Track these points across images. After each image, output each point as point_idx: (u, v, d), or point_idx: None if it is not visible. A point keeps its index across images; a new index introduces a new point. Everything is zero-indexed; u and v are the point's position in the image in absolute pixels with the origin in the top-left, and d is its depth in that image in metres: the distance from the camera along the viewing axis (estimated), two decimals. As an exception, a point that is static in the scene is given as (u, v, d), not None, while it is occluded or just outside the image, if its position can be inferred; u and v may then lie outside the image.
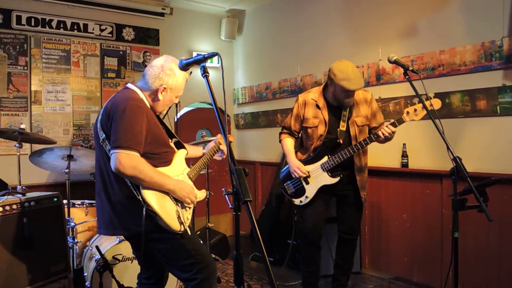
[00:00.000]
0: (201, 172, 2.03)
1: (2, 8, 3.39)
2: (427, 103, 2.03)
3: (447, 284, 2.47)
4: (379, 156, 3.03)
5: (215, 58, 4.04)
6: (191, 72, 1.76)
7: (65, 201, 2.46)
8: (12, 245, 2.02)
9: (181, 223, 1.63)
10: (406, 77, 1.93)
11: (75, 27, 3.71)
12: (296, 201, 2.49)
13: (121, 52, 3.96)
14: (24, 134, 2.50)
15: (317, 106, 2.43)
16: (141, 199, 1.56)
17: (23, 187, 2.36)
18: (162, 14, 4.17)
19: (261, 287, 3.02)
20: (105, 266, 2.20)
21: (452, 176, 1.70)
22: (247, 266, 3.43)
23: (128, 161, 1.51)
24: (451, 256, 1.73)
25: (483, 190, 1.65)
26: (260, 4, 4.32)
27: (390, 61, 2.00)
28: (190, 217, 1.75)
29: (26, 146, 3.31)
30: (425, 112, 2.11)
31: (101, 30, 3.85)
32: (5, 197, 2.08)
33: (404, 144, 2.98)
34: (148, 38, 4.11)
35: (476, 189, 1.63)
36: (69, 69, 3.69)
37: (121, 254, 2.36)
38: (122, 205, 1.61)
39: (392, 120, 2.28)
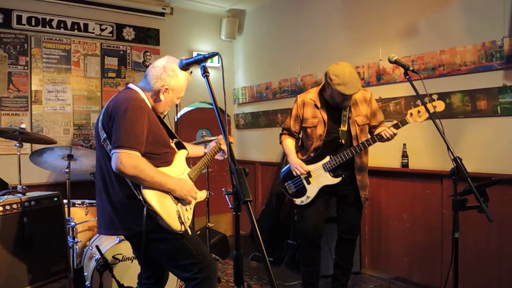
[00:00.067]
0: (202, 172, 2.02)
1: (3, 8, 3.39)
2: (430, 105, 2.02)
3: (447, 284, 2.47)
4: (379, 156, 3.03)
5: (215, 58, 4.06)
6: (191, 72, 1.76)
7: (65, 201, 2.46)
8: (12, 245, 2.02)
9: (182, 223, 1.63)
10: (407, 77, 1.93)
11: (76, 27, 3.71)
12: (297, 201, 2.49)
13: (121, 52, 3.96)
14: (25, 134, 2.50)
15: (316, 106, 2.43)
16: (141, 199, 1.57)
17: (24, 187, 2.36)
18: (162, 14, 4.17)
19: (261, 287, 3.02)
20: (105, 265, 2.20)
21: (452, 176, 1.70)
22: (247, 266, 3.43)
23: (129, 161, 1.51)
24: (451, 256, 1.73)
25: (483, 191, 1.65)
26: (260, 4, 4.32)
27: (390, 61, 2.00)
28: (190, 217, 1.75)
29: (27, 145, 3.31)
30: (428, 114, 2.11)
31: (102, 30, 3.85)
32: (6, 196, 2.08)
33: (404, 144, 2.98)
34: (149, 38, 4.11)
35: (476, 190, 1.63)
36: (70, 69, 3.69)
37: (121, 254, 2.36)
38: (123, 205, 1.61)
39: (395, 121, 2.28)
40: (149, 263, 1.80)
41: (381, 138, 2.28)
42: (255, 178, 4.38)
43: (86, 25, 3.76)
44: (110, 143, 1.59)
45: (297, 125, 2.52)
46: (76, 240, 2.54)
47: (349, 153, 2.32)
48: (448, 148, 1.71)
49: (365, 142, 2.30)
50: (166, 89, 1.71)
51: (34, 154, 2.63)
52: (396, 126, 2.23)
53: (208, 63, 1.47)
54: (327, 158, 2.40)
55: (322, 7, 3.66)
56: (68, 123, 3.70)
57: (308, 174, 2.43)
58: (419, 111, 2.17)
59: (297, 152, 2.55)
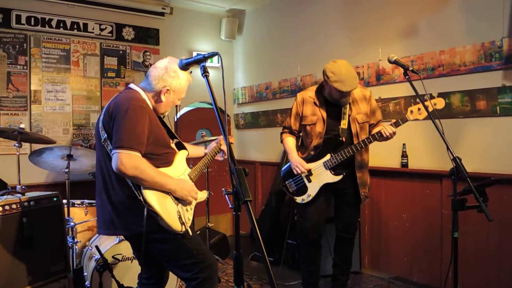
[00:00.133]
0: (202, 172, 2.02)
1: (2, 8, 3.38)
2: (429, 102, 2.02)
3: (447, 284, 2.47)
4: (379, 156, 3.03)
5: (215, 58, 4.06)
6: (191, 72, 1.76)
7: (64, 201, 2.45)
8: (12, 245, 2.01)
9: (182, 223, 1.63)
10: (406, 77, 1.93)
11: (75, 27, 3.71)
12: (298, 199, 2.49)
13: (121, 52, 3.96)
14: (24, 134, 2.50)
15: (315, 104, 2.44)
16: (142, 199, 1.56)
17: (23, 187, 2.36)
18: (162, 14, 4.16)
19: (261, 287, 3.02)
20: (105, 266, 2.20)
21: (452, 176, 1.70)
22: (247, 266, 3.43)
23: (129, 161, 1.51)
24: (450, 256, 1.73)
25: (482, 190, 1.66)
26: (260, 4, 4.32)
27: (390, 61, 2.00)
28: (191, 217, 1.75)
29: (26, 145, 3.31)
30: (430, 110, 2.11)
31: (101, 30, 3.85)
32: (5, 196, 2.08)
33: (404, 144, 2.98)
34: (148, 37, 4.11)
35: (475, 189, 1.63)
36: (69, 69, 3.69)
37: (121, 254, 2.36)
38: (123, 205, 1.61)
39: (394, 120, 2.28)
40: (149, 263, 1.80)
41: (381, 136, 2.28)
42: (255, 178, 4.39)
43: (85, 25, 3.76)
44: (110, 143, 1.59)
45: (297, 123, 2.52)
46: (75, 240, 2.54)
47: (350, 151, 2.32)
48: (448, 148, 1.72)
49: (365, 140, 2.30)
50: (167, 90, 1.71)
51: (33, 154, 2.62)
52: (396, 124, 2.23)
53: (208, 63, 1.47)
54: (328, 156, 2.40)
55: (322, 7, 3.66)
56: (67, 123, 3.69)
57: (309, 172, 2.43)
58: (419, 109, 2.17)
59: (297, 150, 2.55)
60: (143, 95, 1.70)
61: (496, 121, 2.51)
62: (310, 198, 2.44)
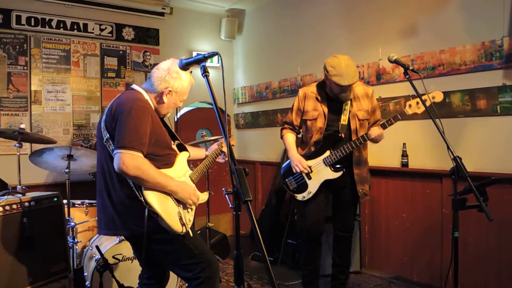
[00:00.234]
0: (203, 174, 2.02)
1: (2, 8, 3.39)
2: (427, 96, 2.02)
3: (447, 284, 2.47)
4: (379, 155, 3.03)
5: (215, 58, 4.04)
6: (191, 72, 1.76)
7: (65, 201, 2.45)
8: (12, 245, 2.01)
9: (183, 224, 1.62)
10: (406, 76, 1.93)
11: (75, 27, 3.71)
12: (299, 197, 2.49)
13: (121, 52, 3.96)
14: (24, 134, 2.50)
15: (317, 99, 2.44)
16: (143, 200, 1.56)
17: (23, 187, 2.36)
18: (162, 14, 4.16)
19: (261, 286, 3.02)
20: (105, 266, 2.20)
21: (452, 176, 1.70)
22: (247, 265, 3.43)
23: (131, 161, 1.51)
24: (451, 256, 1.73)
25: (483, 190, 1.66)
26: (260, 4, 4.32)
27: (390, 61, 2.00)
28: (192, 218, 1.75)
29: (26, 146, 3.31)
30: (428, 104, 2.10)
31: (101, 30, 3.85)
32: (5, 197, 2.08)
33: (404, 144, 2.98)
34: (148, 37, 4.11)
35: (476, 189, 1.63)
36: (69, 69, 3.69)
37: (121, 254, 2.36)
38: (124, 205, 1.61)
39: (386, 120, 2.28)
40: (150, 263, 1.80)
41: (369, 137, 2.29)
42: (255, 178, 4.39)
43: (85, 25, 3.76)
44: (112, 143, 1.59)
45: (299, 118, 2.53)
46: (76, 240, 2.54)
47: (349, 147, 2.32)
48: (448, 147, 1.71)
49: (356, 141, 2.31)
50: (170, 91, 1.71)
51: (34, 154, 2.62)
52: (395, 118, 2.23)
53: (208, 63, 1.47)
54: (327, 153, 2.40)
55: (322, 6, 3.65)
56: (67, 123, 3.69)
57: (309, 169, 2.43)
58: (417, 102, 2.17)
59: (297, 147, 2.55)
60: (146, 96, 1.71)
61: (497, 121, 2.51)
62: (311, 195, 2.44)
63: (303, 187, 2.47)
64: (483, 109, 2.55)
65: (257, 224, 1.15)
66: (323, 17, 3.64)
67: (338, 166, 2.40)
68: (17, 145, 2.46)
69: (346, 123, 2.38)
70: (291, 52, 3.97)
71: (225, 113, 2.05)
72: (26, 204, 2.11)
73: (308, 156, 2.46)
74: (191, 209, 1.76)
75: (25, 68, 3.49)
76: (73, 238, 2.52)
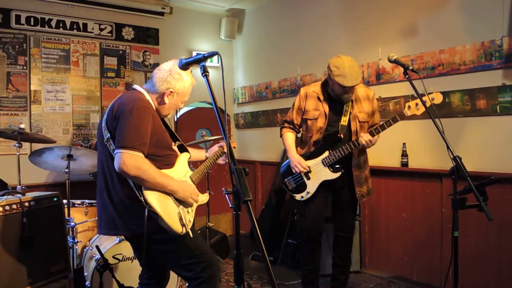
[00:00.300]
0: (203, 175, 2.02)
1: (1, 8, 3.38)
2: (427, 97, 2.02)
3: (447, 283, 2.48)
4: (379, 155, 3.03)
5: (215, 58, 4.05)
6: (191, 71, 1.76)
7: (65, 201, 2.45)
8: (12, 245, 2.01)
9: (183, 225, 1.62)
10: (406, 76, 1.93)
11: (75, 27, 3.71)
12: (298, 197, 2.49)
13: (120, 52, 3.96)
14: (24, 134, 2.50)
15: (318, 99, 2.44)
16: (143, 200, 1.56)
17: (23, 187, 2.36)
18: (162, 14, 4.16)
19: (261, 286, 3.02)
20: (105, 266, 2.20)
21: (452, 175, 1.70)
22: (247, 265, 3.43)
23: (131, 161, 1.51)
24: (451, 255, 1.73)
25: (482, 190, 1.66)
26: (259, 3, 4.32)
27: (390, 61, 2.00)
28: (192, 219, 1.75)
29: (26, 145, 3.31)
30: (427, 106, 2.11)
31: (101, 30, 3.84)
32: (5, 197, 2.08)
33: (404, 144, 2.98)
34: (148, 37, 4.10)
35: (475, 188, 1.63)
36: (69, 69, 3.69)
37: (121, 254, 2.36)
38: (124, 205, 1.61)
39: (383, 122, 2.29)
40: (150, 263, 1.80)
41: (359, 144, 2.29)
42: (255, 177, 4.39)
43: (85, 25, 3.76)
44: (113, 143, 1.59)
45: (299, 117, 2.53)
46: (76, 240, 2.54)
47: (348, 148, 2.33)
48: (448, 147, 1.72)
49: (347, 146, 2.31)
50: (171, 92, 1.71)
51: (34, 154, 2.62)
52: (394, 119, 2.23)
53: (207, 63, 1.47)
54: (326, 153, 2.40)
55: (322, 7, 3.65)
56: (67, 123, 3.69)
57: (308, 170, 2.44)
58: (417, 104, 2.17)
59: (296, 147, 2.55)
60: (147, 96, 1.71)
61: (496, 120, 2.51)
62: (309, 195, 2.45)
63: (302, 187, 2.47)
64: (483, 109, 2.56)
65: (257, 224, 1.15)
66: (323, 17, 3.64)
67: (337, 166, 2.40)
68: (16, 145, 2.45)
69: (346, 124, 2.38)
70: (291, 52, 3.97)
71: (225, 113, 2.05)
72: (26, 204, 2.10)
73: (307, 156, 2.46)
74: (192, 210, 1.75)
75: (25, 67, 3.49)
76: (73, 238, 2.52)
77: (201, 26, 4.47)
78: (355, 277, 3.05)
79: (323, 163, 2.41)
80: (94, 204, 2.78)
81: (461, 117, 2.67)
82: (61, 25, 3.64)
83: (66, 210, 2.47)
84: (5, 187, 2.35)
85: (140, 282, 1.89)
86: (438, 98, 2.10)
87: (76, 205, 2.76)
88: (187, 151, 1.87)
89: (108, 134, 1.61)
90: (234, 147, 2.08)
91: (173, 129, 1.89)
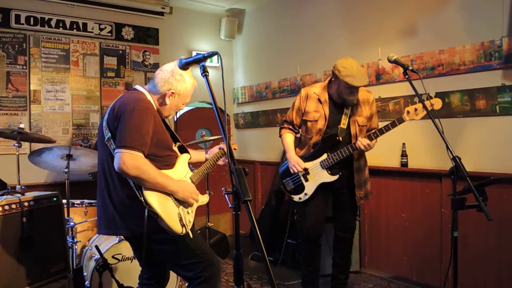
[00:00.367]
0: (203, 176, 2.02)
1: (1, 7, 3.38)
2: (427, 102, 2.03)
3: (447, 283, 2.48)
4: (379, 155, 3.03)
5: (215, 58, 4.05)
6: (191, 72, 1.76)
7: (64, 201, 2.45)
8: (12, 245, 2.01)
9: (183, 225, 1.62)
10: (406, 76, 1.93)
11: (74, 26, 3.70)
12: (295, 198, 2.50)
13: (120, 52, 3.96)
14: (23, 134, 2.50)
15: (319, 101, 2.44)
16: (143, 200, 1.56)
17: (22, 187, 2.36)
18: (161, 13, 4.16)
19: (261, 286, 3.02)
20: (105, 265, 2.20)
21: (451, 176, 1.70)
22: (246, 265, 3.43)
23: (131, 161, 1.51)
24: (450, 255, 1.73)
25: (482, 190, 1.66)
26: (259, 3, 4.32)
27: (389, 61, 2.00)
28: (192, 220, 1.74)
29: (25, 145, 3.31)
30: (425, 111, 2.12)
31: (101, 29, 3.84)
32: (4, 196, 2.08)
33: (403, 144, 2.98)
34: (148, 37, 4.10)
35: (475, 189, 1.63)
36: (68, 69, 3.68)
37: (121, 254, 2.36)
38: (124, 205, 1.61)
39: (380, 127, 2.29)
40: (150, 263, 1.80)
41: (358, 148, 2.29)
42: (255, 177, 4.39)
43: (85, 25, 3.75)
44: (114, 143, 1.59)
45: (299, 117, 2.53)
46: (75, 240, 2.54)
47: (347, 151, 2.33)
48: (447, 147, 1.72)
49: (344, 150, 2.31)
50: (172, 93, 1.71)
51: (33, 154, 2.62)
52: (393, 124, 2.24)
53: (207, 63, 1.47)
54: (325, 156, 2.40)
55: (322, 7, 3.65)
56: (67, 122, 3.69)
57: (306, 172, 2.44)
58: (416, 109, 2.18)
59: (295, 147, 2.55)
60: (149, 96, 1.71)
61: (496, 121, 2.52)
62: (307, 197, 2.45)
63: (300, 188, 2.48)
64: (482, 109, 2.56)
65: (256, 224, 1.15)
66: (323, 17, 3.64)
67: (334, 169, 2.40)
68: (16, 144, 2.45)
69: (345, 127, 2.38)
70: (291, 52, 3.97)
71: (225, 113, 2.05)
72: (26, 204, 2.10)
73: (306, 158, 2.46)
74: (191, 210, 1.75)
75: (24, 67, 3.49)
76: (73, 238, 2.52)
77: (201, 26, 4.47)
78: (355, 277, 3.05)
79: (321, 165, 2.41)
80: (93, 204, 2.78)
81: (461, 117, 2.67)
82: (61, 24, 3.64)
83: (65, 210, 2.47)
84: (5, 187, 2.35)
85: (140, 282, 1.88)
86: (438, 104, 2.11)
87: (75, 205, 2.76)
88: (187, 152, 1.87)
89: (109, 134, 1.61)
90: (235, 149, 2.07)
91: (172, 129, 1.89)
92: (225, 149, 2.04)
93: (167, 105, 1.73)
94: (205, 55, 1.40)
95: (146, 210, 1.55)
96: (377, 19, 3.17)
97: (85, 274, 2.43)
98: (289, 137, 2.56)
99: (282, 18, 4.09)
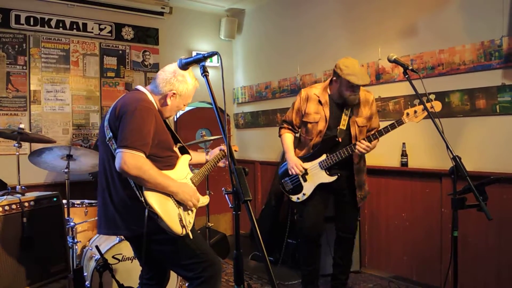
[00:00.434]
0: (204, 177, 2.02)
1: (1, 8, 3.38)
2: (427, 105, 2.03)
3: (447, 283, 2.48)
4: (379, 155, 3.03)
5: (215, 57, 4.05)
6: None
7: (64, 201, 2.45)
8: (12, 245, 2.01)
9: (183, 226, 1.62)
10: (406, 76, 1.93)
11: (74, 27, 3.71)
12: (294, 198, 2.50)
13: (120, 52, 3.96)
14: (23, 134, 2.50)
15: (320, 102, 2.43)
16: (143, 201, 1.56)
17: (23, 187, 2.35)
18: (161, 14, 4.16)
19: (261, 286, 3.02)
20: (105, 266, 2.20)
21: (451, 175, 1.70)
22: (247, 265, 3.43)
23: (132, 161, 1.51)
24: (450, 255, 1.73)
25: (482, 189, 1.66)
26: (259, 3, 4.32)
27: (389, 60, 2.00)
28: (192, 221, 1.74)
29: (25, 145, 3.31)
30: (424, 114, 2.13)
31: (100, 30, 3.84)
32: (5, 197, 2.08)
33: (403, 143, 2.98)
34: (148, 37, 4.10)
35: (475, 188, 1.63)
36: (68, 69, 3.68)
37: (121, 254, 2.36)
38: (125, 205, 1.61)
39: (380, 128, 2.29)
40: (150, 264, 1.80)
41: (356, 150, 2.29)
42: (255, 177, 4.39)
43: (85, 25, 3.75)
44: (115, 143, 1.59)
45: (299, 118, 2.53)
46: (75, 240, 2.54)
47: (345, 152, 2.33)
48: (447, 147, 1.72)
49: (344, 151, 2.31)
50: (174, 93, 1.71)
51: (33, 154, 2.62)
52: (392, 126, 2.24)
53: (207, 63, 1.47)
54: (324, 156, 2.40)
55: (322, 7, 3.65)
56: (67, 123, 3.69)
57: (305, 172, 2.44)
58: (415, 111, 2.18)
59: (294, 147, 2.55)
60: (150, 97, 1.71)
61: (496, 120, 2.52)
62: (305, 197, 2.45)
63: (298, 188, 2.48)
64: (482, 109, 2.56)
65: (256, 224, 1.15)
66: (323, 17, 3.64)
67: (333, 170, 2.40)
68: (16, 145, 2.45)
69: (345, 128, 2.38)
70: (291, 52, 3.97)
71: (225, 113, 2.05)
72: (26, 204, 2.10)
73: (305, 159, 2.47)
74: (192, 211, 1.75)
75: (24, 67, 3.49)
76: (73, 238, 2.52)
77: (201, 26, 4.47)
78: (355, 277, 3.06)
79: (320, 166, 2.41)
80: (93, 204, 2.78)
81: (461, 117, 2.67)
82: (60, 25, 3.64)
83: (65, 210, 2.47)
84: (5, 187, 2.35)
85: (140, 283, 1.89)
86: (438, 107, 2.12)
87: (75, 205, 2.76)
88: (188, 153, 1.87)
89: (110, 134, 1.61)
90: (236, 151, 2.07)
91: (173, 129, 1.89)
92: (226, 150, 2.04)
93: (168, 105, 1.73)
94: (205, 55, 1.40)
95: (146, 211, 1.55)
96: (377, 19, 3.17)
97: (85, 274, 2.43)
98: (288, 137, 2.56)
99: (282, 18, 4.09)
